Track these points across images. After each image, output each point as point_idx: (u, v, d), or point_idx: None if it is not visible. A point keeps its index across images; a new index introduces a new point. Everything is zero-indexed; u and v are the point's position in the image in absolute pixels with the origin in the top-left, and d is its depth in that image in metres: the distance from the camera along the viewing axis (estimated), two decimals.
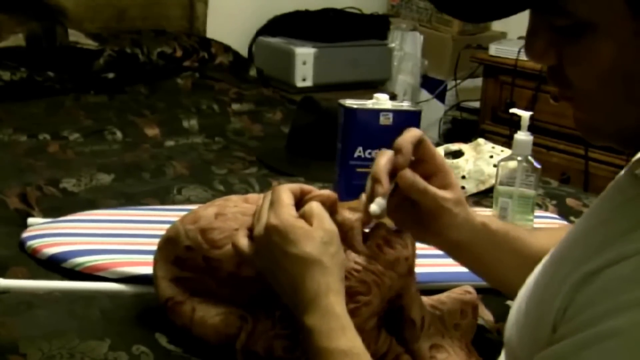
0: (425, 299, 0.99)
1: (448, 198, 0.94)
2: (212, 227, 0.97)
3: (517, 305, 0.83)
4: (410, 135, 0.92)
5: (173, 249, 1.00)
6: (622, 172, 0.76)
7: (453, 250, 0.99)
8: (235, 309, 0.97)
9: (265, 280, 0.91)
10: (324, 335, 0.83)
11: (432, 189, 0.93)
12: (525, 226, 1.33)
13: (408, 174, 0.91)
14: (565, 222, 1.53)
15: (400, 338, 0.95)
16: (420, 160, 0.94)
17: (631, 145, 0.71)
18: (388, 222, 0.95)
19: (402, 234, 0.94)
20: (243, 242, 0.91)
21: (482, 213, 1.11)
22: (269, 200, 0.89)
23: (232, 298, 0.97)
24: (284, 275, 0.86)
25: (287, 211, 0.87)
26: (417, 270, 1.22)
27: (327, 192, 0.92)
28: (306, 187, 0.93)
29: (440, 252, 1.09)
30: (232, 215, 0.97)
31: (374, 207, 0.90)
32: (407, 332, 0.95)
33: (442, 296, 1.02)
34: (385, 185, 0.91)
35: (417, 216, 0.95)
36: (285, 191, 0.90)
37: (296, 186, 0.92)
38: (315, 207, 0.89)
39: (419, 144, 0.93)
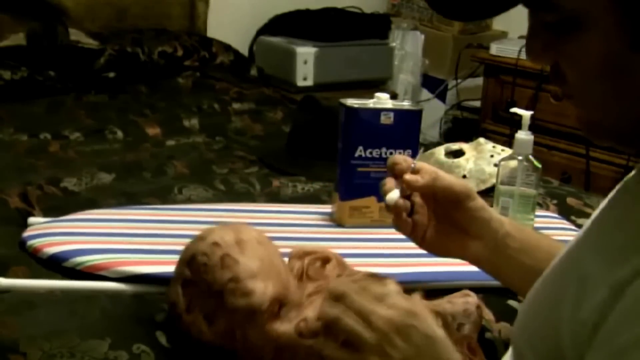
0: (426, 304, 0.99)
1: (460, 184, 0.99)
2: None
3: (525, 306, 0.82)
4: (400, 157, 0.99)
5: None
6: (631, 174, 0.75)
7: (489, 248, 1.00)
8: None
9: None
10: None
11: (442, 173, 0.98)
12: (525, 226, 1.32)
13: (411, 175, 0.96)
14: (565, 222, 1.53)
15: None
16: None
17: (631, 145, 0.71)
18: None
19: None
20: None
21: None
22: (372, 296, 0.82)
23: None
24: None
25: (402, 297, 0.83)
26: (417, 269, 1.23)
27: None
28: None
29: None
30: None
31: (391, 196, 0.96)
32: None
33: (443, 302, 1.01)
34: (389, 183, 0.96)
35: (445, 225, 0.99)
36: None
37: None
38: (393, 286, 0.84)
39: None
